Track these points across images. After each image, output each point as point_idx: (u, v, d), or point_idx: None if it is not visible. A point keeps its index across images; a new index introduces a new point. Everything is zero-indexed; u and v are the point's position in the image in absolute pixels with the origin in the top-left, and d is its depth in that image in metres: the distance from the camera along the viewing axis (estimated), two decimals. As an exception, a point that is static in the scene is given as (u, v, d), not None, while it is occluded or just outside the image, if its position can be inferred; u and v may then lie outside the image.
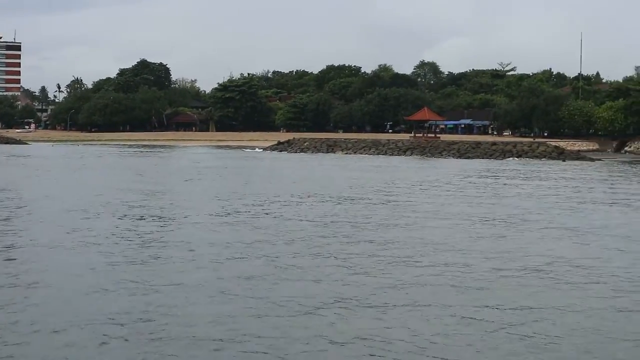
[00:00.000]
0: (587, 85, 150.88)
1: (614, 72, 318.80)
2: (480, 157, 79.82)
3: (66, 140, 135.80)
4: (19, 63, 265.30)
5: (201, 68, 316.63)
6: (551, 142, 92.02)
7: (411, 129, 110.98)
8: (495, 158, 78.70)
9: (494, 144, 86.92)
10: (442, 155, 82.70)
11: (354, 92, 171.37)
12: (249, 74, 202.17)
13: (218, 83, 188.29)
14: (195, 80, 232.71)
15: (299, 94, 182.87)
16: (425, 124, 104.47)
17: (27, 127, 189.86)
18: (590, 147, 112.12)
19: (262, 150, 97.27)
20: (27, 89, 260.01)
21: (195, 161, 67.55)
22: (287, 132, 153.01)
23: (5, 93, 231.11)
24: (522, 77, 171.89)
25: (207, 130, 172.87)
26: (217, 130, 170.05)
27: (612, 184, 44.91)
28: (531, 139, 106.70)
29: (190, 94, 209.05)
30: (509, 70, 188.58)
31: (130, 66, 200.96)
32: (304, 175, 49.13)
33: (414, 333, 11.33)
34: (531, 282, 15.04)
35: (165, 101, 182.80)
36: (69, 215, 24.62)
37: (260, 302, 12.97)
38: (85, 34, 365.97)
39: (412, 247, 18.88)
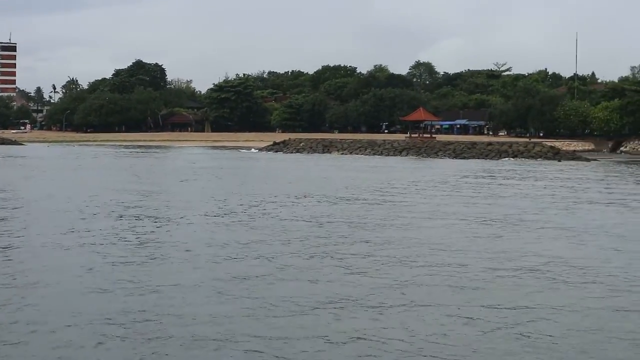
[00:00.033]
0: (583, 85, 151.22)
1: (610, 72, 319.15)
2: (475, 157, 79.88)
3: (62, 141, 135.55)
4: (15, 64, 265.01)
5: (197, 68, 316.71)
6: (547, 143, 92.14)
7: (407, 130, 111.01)
8: (490, 158, 78.76)
9: (489, 144, 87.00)
10: (437, 155, 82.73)
11: (349, 92, 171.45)
12: (244, 74, 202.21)
13: (213, 83, 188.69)
14: (191, 80, 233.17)
15: (295, 94, 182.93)
16: (421, 124, 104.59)
17: (22, 127, 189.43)
18: (586, 148, 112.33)
19: (257, 150, 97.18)
20: (23, 90, 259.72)
21: (191, 162, 67.49)
22: (282, 132, 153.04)
23: (0, 94, 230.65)
24: (518, 77, 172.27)
25: (202, 130, 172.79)
26: (213, 130, 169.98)
27: (608, 184, 44.97)
28: (527, 139, 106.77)
29: (185, 94, 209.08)
30: (504, 71, 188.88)
31: (126, 67, 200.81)
32: (300, 175, 49.13)
33: (410, 333, 11.34)
34: (527, 282, 15.06)
35: (160, 102, 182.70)
36: (66, 216, 24.60)
37: (256, 302, 12.98)
38: (81, 35, 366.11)
39: (408, 247, 18.90)
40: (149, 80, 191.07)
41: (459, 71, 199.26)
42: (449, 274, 15.56)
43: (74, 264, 16.21)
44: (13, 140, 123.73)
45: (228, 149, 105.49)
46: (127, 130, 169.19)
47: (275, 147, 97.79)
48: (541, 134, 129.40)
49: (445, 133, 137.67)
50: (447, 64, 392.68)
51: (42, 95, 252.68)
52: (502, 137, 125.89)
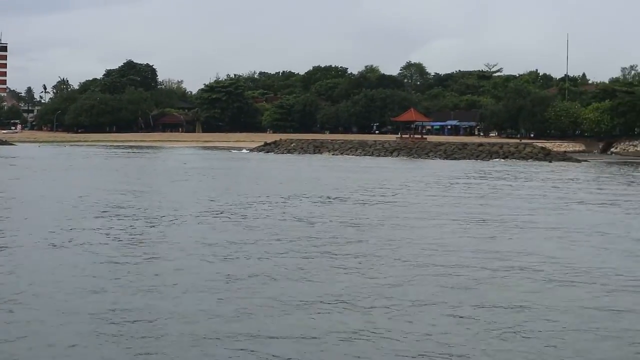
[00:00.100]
0: (574, 86, 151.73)
1: (600, 73, 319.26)
2: (466, 158, 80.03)
3: (53, 141, 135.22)
4: (5, 64, 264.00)
5: (187, 69, 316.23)
6: (537, 143, 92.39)
7: (398, 130, 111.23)
8: (481, 159, 78.90)
9: (480, 145, 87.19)
10: (428, 156, 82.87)
11: (340, 93, 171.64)
12: (235, 74, 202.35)
13: (204, 84, 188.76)
14: (182, 81, 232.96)
15: (286, 94, 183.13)
16: (412, 125, 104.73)
17: (13, 127, 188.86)
18: (577, 148, 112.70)
19: (248, 151, 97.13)
20: (13, 90, 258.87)
21: (182, 162, 67.39)
22: (273, 133, 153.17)
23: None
24: (509, 78, 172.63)
25: (193, 131, 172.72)
26: (204, 131, 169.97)
27: (598, 184, 45.12)
28: (517, 140, 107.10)
29: (176, 94, 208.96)
30: (495, 72, 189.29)
31: (117, 67, 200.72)
32: (291, 176, 49.11)
33: (402, 333, 11.32)
34: (520, 281, 15.08)
35: (151, 102, 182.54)
36: (58, 216, 24.50)
37: (248, 302, 12.95)
38: (72, 35, 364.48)
39: (400, 247, 18.89)
40: (139, 81, 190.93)
41: (450, 72, 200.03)
42: (441, 274, 15.55)
43: (66, 263, 16.15)
44: (4, 140, 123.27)
45: (219, 149, 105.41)
46: (118, 131, 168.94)
47: (266, 147, 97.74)
48: (532, 135, 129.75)
49: (436, 134, 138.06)
50: (438, 64, 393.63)
51: (33, 95, 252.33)
52: (493, 138, 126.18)
